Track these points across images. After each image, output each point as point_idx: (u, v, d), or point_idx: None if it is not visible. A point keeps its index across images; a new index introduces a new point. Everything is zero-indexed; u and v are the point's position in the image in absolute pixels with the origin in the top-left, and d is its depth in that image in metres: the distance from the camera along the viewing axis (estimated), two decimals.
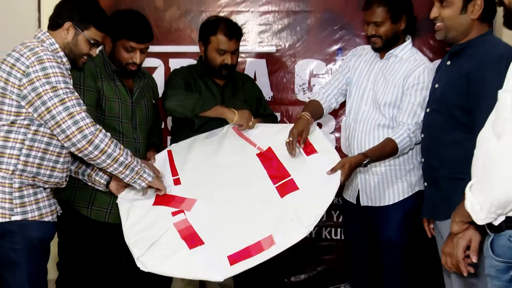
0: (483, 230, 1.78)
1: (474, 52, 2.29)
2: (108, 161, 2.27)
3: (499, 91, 1.71)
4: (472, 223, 1.78)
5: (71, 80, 2.36)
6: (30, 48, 2.24)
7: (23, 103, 2.20)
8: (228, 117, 2.81)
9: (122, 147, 2.32)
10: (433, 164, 2.45)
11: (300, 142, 2.57)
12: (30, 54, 2.21)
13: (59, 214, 2.45)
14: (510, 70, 1.73)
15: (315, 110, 2.81)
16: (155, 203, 2.53)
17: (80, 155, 2.25)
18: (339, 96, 2.96)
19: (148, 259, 2.28)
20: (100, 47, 2.77)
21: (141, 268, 2.26)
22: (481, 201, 1.62)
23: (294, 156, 2.56)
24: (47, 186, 2.35)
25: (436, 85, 2.48)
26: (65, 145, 2.24)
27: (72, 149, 2.23)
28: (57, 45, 2.35)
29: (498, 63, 2.01)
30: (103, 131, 2.25)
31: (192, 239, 2.31)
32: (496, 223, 1.65)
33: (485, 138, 1.74)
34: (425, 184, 2.56)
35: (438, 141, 2.41)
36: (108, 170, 2.34)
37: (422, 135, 2.58)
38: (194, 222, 2.38)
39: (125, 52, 2.72)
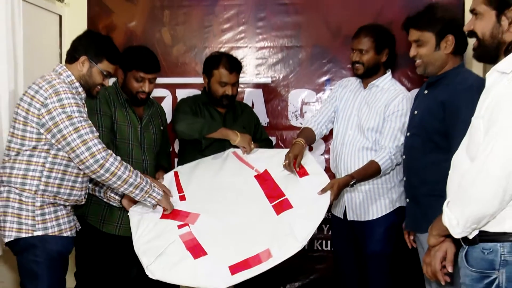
0: (458, 242, 1.78)
1: (449, 83, 2.32)
2: (119, 182, 2.27)
3: (472, 118, 1.73)
4: (447, 236, 1.78)
5: (85, 109, 2.38)
6: (48, 81, 2.26)
7: (42, 131, 2.23)
8: (231, 138, 2.80)
9: (131, 169, 2.32)
10: (414, 183, 2.45)
11: (295, 165, 2.58)
12: (48, 86, 2.24)
13: (77, 230, 2.46)
14: (480, 99, 1.75)
15: (308, 136, 2.82)
16: (163, 217, 2.51)
17: (93, 177, 2.27)
18: (329, 123, 2.97)
19: (157, 268, 2.26)
20: (114, 79, 2.82)
21: (150, 276, 2.25)
22: (457, 217, 1.62)
23: (294, 175, 2.58)
24: (67, 203, 2.36)
25: (415, 112, 2.49)
26: (80, 168, 2.25)
27: (86, 171, 2.25)
28: (73, 77, 2.37)
29: (470, 92, 2.03)
30: (114, 155, 2.26)
31: (196, 250, 2.29)
32: (470, 236, 1.66)
33: (459, 161, 1.77)
34: (407, 200, 2.56)
35: (418, 162, 2.41)
36: (120, 190, 2.35)
37: (403, 157, 2.57)
38: (198, 235, 2.37)
39: (135, 82, 2.74)
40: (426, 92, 2.45)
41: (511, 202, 1.58)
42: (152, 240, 2.40)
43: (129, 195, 2.38)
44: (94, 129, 2.28)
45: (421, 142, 2.39)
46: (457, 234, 1.65)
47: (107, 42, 2.48)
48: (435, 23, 2.34)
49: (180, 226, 2.45)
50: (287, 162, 2.58)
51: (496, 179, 1.54)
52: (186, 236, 2.38)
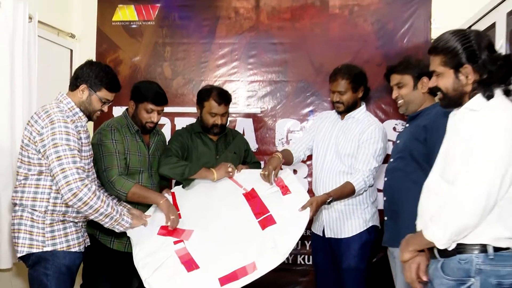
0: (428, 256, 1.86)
1: (429, 113, 2.39)
2: (90, 211, 2.22)
3: (447, 147, 1.81)
4: (420, 251, 1.85)
5: (85, 134, 2.37)
6: (46, 111, 2.26)
7: (39, 156, 2.24)
8: (209, 177, 2.76)
9: (104, 199, 2.27)
10: (395, 201, 2.46)
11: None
12: (45, 116, 2.24)
13: (86, 246, 2.45)
14: (451, 131, 1.85)
15: (286, 155, 2.86)
16: (159, 233, 2.50)
17: (69, 204, 2.21)
18: (306, 150, 3.01)
19: (154, 281, 2.26)
20: (124, 109, 2.85)
21: (146, 287, 2.26)
22: (443, 231, 1.68)
23: (271, 185, 2.63)
24: (77, 220, 2.35)
25: (398, 141, 2.54)
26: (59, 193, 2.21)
27: (62, 199, 2.20)
28: (73, 103, 2.35)
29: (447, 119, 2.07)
30: (89, 186, 2.20)
31: (189, 263, 2.30)
32: (450, 248, 1.71)
33: (435, 184, 1.84)
34: (386, 218, 2.56)
35: (400, 182, 2.44)
36: (90, 218, 2.30)
37: (386, 179, 2.58)
38: (191, 250, 2.38)
39: (145, 112, 2.73)
40: (407, 125, 2.52)
41: (486, 219, 1.66)
42: (150, 255, 2.39)
43: (99, 222, 2.32)
44: (78, 159, 2.23)
45: (405, 163, 2.42)
46: (442, 245, 1.70)
47: (106, 72, 2.43)
48: (412, 68, 2.47)
49: (175, 242, 2.45)
50: (266, 172, 2.64)
51: (478, 199, 1.63)
52: (181, 252, 2.38)
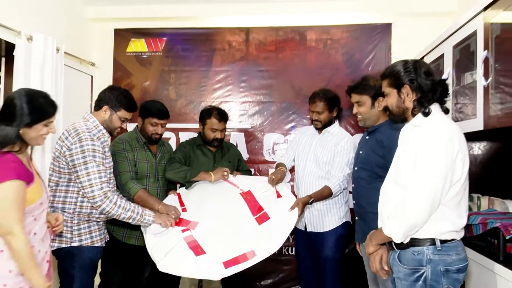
0: (388, 248, 1.88)
1: (385, 129, 2.40)
2: (114, 217, 2.25)
3: (400, 156, 1.84)
4: (382, 244, 1.88)
5: (108, 147, 2.36)
6: (75, 129, 2.24)
7: (69, 167, 2.21)
8: (207, 179, 2.76)
9: (125, 206, 2.26)
10: (362, 204, 2.45)
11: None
12: (75, 134, 2.22)
13: (106, 241, 2.43)
14: (402, 143, 1.89)
15: (285, 167, 2.91)
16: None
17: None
18: (292, 162, 3.02)
19: (166, 263, 2.23)
20: (135, 125, 2.83)
21: (160, 269, 2.21)
22: (399, 227, 1.71)
23: (273, 187, 2.66)
24: (99, 220, 2.33)
25: (360, 152, 2.54)
26: None
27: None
28: (97, 122, 2.34)
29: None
30: (110, 197, 2.21)
31: (197, 249, 2.27)
32: (405, 241, 1.74)
33: (389, 188, 1.87)
34: (356, 218, 2.54)
35: (364, 189, 2.43)
36: (117, 219, 2.30)
37: (353, 185, 2.56)
38: (197, 238, 2.35)
39: (150, 126, 2.73)
40: (367, 137, 2.52)
41: (432, 216, 1.70)
42: (161, 241, 2.35)
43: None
44: (103, 174, 2.23)
45: (367, 174, 2.42)
46: (398, 240, 1.74)
47: (125, 95, 2.43)
48: (369, 89, 2.44)
49: (183, 230, 2.41)
50: (274, 177, 2.68)
51: (425, 200, 1.67)
52: (189, 238, 2.36)
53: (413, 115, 1.84)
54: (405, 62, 1.85)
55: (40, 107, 1.77)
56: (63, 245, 2.22)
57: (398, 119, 1.91)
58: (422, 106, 1.79)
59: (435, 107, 1.80)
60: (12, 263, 1.69)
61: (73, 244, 2.23)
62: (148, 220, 2.35)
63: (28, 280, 1.70)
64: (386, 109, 1.95)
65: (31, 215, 1.75)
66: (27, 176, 1.73)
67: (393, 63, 1.92)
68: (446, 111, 1.83)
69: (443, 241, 1.72)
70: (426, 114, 1.78)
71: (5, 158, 1.68)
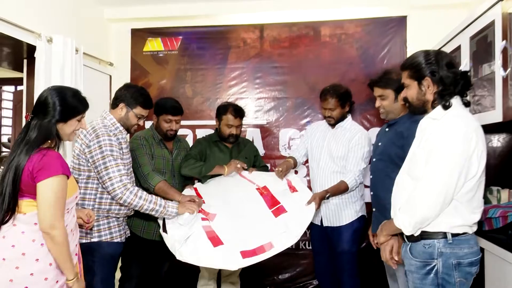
0: (400, 239, 1.85)
1: (405, 121, 2.34)
2: (136, 208, 2.25)
3: (415, 148, 1.80)
4: (393, 235, 1.86)
5: (126, 144, 2.35)
6: (93, 127, 2.26)
7: (88, 164, 2.23)
8: (221, 172, 2.75)
9: (146, 198, 2.24)
10: (380, 196, 2.41)
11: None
12: (92, 131, 2.24)
13: (127, 236, 2.44)
14: (418, 135, 1.84)
15: (294, 160, 2.89)
16: None
17: (119, 202, 2.24)
18: (304, 156, 3.00)
19: (184, 251, 2.21)
20: (151, 123, 2.84)
21: (178, 257, 2.19)
22: (409, 219, 1.69)
23: (281, 180, 2.64)
24: (119, 216, 2.34)
25: (379, 143, 2.50)
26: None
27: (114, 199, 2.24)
28: (114, 120, 2.35)
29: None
30: (130, 189, 2.20)
31: (215, 240, 2.25)
32: (416, 234, 1.72)
33: (403, 180, 1.84)
34: (374, 210, 2.51)
35: (383, 180, 2.38)
36: (140, 211, 2.28)
37: (371, 176, 2.54)
38: (216, 229, 2.33)
39: (165, 123, 2.74)
40: (387, 129, 2.48)
41: (444, 210, 1.66)
42: (181, 226, 2.32)
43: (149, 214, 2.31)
44: (122, 167, 2.22)
45: (385, 165, 2.38)
46: (408, 232, 1.72)
47: (141, 93, 2.43)
48: (393, 83, 2.38)
49: (203, 219, 2.39)
50: (280, 169, 2.66)
51: (438, 193, 1.63)
52: (207, 228, 2.34)
53: (433, 107, 1.79)
54: (427, 53, 1.79)
55: (74, 102, 1.83)
56: (83, 241, 2.23)
57: (417, 111, 1.86)
58: (442, 99, 1.74)
59: (455, 100, 1.75)
60: (51, 257, 1.73)
61: (92, 240, 2.25)
62: (171, 212, 2.33)
63: (64, 270, 1.75)
64: (405, 100, 1.89)
65: (65, 208, 1.79)
66: (68, 171, 1.78)
67: (414, 53, 1.85)
68: (467, 104, 1.78)
69: (454, 235, 1.69)
70: (446, 107, 1.73)
71: (50, 154, 1.73)
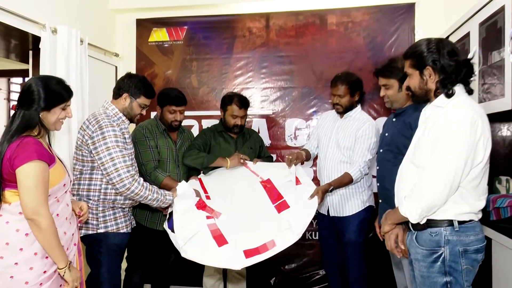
0: (404, 228, 1.84)
1: (413, 111, 2.31)
2: (140, 199, 2.26)
3: (419, 136, 1.79)
4: (398, 224, 1.84)
5: (128, 134, 2.35)
6: (95, 118, 2.25)
7: (91, 155, 2.22)
8: (223, 165, 2.76)
9: (151, 188, 2.27)
10: (387, 187, 2.40)
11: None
12: (95, 122, 2.23)
13: (132, 227, 2.45)
14: (421, 124, 1.82)
15: (307, 154, 2.88)
16: (197, 206, 2.44)
17: (123, 195, 2.26)
18: (316, 148, 2.98)
19: (189, 249, 2.22)
20: (155, 113, 2.83)
21: (183, 255, 2.20)
22: (416, 207, 1.67)
23: (289, 167, 2.61)
24: (124, 206, 2.34)
25: (386, 134, 2.48)
26: (112, 187, 2.22)
27: (116, 191, 2.23)
28: (117, 110, 2.35)
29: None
30: (138, 180, 2.21)
31: (219, 239, 2.26)
32: (422, 222, 1.71)
33: (407, 168, 1.83)
34: (380, 201, 2.51)
35: (390, 171, 2.33)
36: (141, 202, 2.32)
37: (377, 167, 2.53)
38: (220, 227, 2.34)
39: (169, 114, 2.74)
40: (394, 119, 2.46)
41: (451, 198, 1.65)
42: (186, 224, 2.33)
43: (147, 204, 2.34)
44: (127, 158, 2.22)
45: (393, 155, 2.37)
46: (414, 220, 1.71)
47: (144, 82, 2.42)
48: (397, 72, 2.36)
49: (208, 217, 2.39)
50: (290, 157, 2.63)
51: (445, 180, 1.62)
52: (212, 227, 2.34)
53: (436, 96, 1.78)
54: (428, 42, 1.77)
55: (56, 91, 1.82)
56: (90, 232, 2.25)
57: (420, 100, 1.85)
58: (445, 88, 1.73)
59: (458, 88, 1.74)
60: (37, 246, 1.72)
61: (99, 231, 2.26)
62: (169, 199, 2.36)
63: (53, 259, 1.74)
64: (408, 89, 1.88)
65: (53, 196, 1.79)
66: (49, 158, 1.76)
67: (416, 42, 1.85)
68: (470, 92, 1.76)
69: (460, 222, 1.68)
70: (449, 96, 1.72)
71: (26, 141, 1.72)
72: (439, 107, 1.74)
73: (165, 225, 2.45)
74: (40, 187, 1.68)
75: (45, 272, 1.74)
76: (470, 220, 1.69)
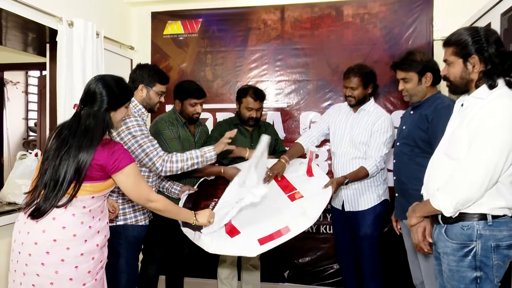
0: (431, 221, 1.81)
1: (431, 104, 2.29)
2: (179, 171, 2.26)
3: (455, 128, 1.74)
4: (426, 217, 1.81)
5: (146, 127, 2.35)
6: None
7: None
8: (243, 155, 2.78)
9: (182, 159, 2.25)
10: (403, 180, 2.39)
11: (277, 177, 2.58)
12: None
13: (150, 219, 2.46)
14: (459, 115, 1.77)
15: (294, 153, 2.79)
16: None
17: (161, 174, 2.28)
18: (321, 136, 2.91)
19: (203, 240, 2.20)
20: (172, 107, 2.84)
21: (197, 243, 2.20)
22: (451, 200, 1.63)
23: (268, 184, 2.55)
24: None
25: (404, 127, 2.45)
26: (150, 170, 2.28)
27: (154, 172, 2.28)
28: (136, 102, 2.36)
29: (448, 110, 2.00)
30: (165, 158, 2.21)
31: (232, 231, 2.26)
32: (454, 216, 1.67)
33: (439, 160, 1.78)
34: (396, 194, 2.48)
35: (406, 165, 2.36)
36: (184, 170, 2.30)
37: (394, 161, 2.50)
38: (233, 221, 2.31)
39: (190, 107, 2.75)
40: (411, 112, 2.43)
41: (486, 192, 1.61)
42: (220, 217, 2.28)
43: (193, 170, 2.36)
44: (154, 141, 2.24)
45: (410, 149, 2.34)
46: (448, 213, 1.66)
47: (156, 70, 2.43)
48: (416, 65, 2.32)
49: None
50: (270, 174, 2.56)
51: (484, 174, 1.57)
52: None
53: (476, 86, 1.71)
54: (475, 30, 1.70)
55: (123, 90, 1.88)
56: (109, 224, 2.24)
57: (458, 90, 1.78)
58: (489, 79, 1.66)
59: (500, 80, 1.68)
60: (99, 238, 1.80)
61: (118, 223, 2.28)
62: (210, 156, 2.33)
63: (183, 220, 2.12)
64: (446, 79, 1.81)
65: (107, 194, 1.88)
66: None
67: (459, 29, 1.76)
68: (509, 84, 1.70)
69: (494, 217, 1.64)
70: (492, 87, 1.66)
71: (120, 145, 1.82)
72: (480, 98, 1.67)
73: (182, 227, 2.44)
74: (141, 181, 1.86)
75: (101, 261, 1.83)
76: (504, 215, 1.65)
